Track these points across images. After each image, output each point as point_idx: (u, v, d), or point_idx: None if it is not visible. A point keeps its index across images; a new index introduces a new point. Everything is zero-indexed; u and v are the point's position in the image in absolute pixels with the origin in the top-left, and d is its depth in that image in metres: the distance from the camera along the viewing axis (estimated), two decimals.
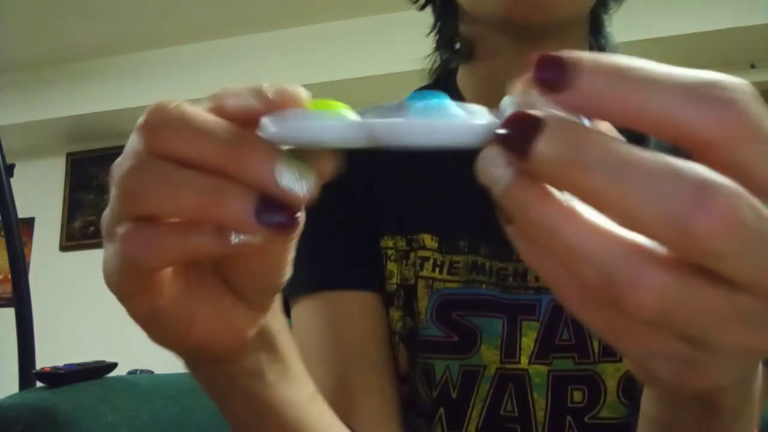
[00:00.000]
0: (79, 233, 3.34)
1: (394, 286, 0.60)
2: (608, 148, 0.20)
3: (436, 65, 0.66)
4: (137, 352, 2.61)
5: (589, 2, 0.54)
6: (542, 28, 0.54)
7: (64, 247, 3.34)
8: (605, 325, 0.22)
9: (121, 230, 0.27)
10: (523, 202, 0.21)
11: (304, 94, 0.26)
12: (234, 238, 0.25)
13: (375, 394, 0.57)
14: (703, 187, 0.19)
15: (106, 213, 0.28)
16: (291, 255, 0.31)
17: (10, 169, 1.72)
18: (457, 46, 0.62)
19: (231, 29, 2.96)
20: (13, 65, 3.16)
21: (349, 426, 0.48)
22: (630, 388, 0.55)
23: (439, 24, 0.64)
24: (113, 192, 0.27)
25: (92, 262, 3.28)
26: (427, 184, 0.60)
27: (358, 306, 0.58)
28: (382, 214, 0.60)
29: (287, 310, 0.60)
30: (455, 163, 0.60)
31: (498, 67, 0.58)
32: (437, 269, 0.59)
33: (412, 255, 0.60)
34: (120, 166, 0.27)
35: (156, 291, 0.29)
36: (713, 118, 0.19)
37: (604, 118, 0.21)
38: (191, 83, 3.01)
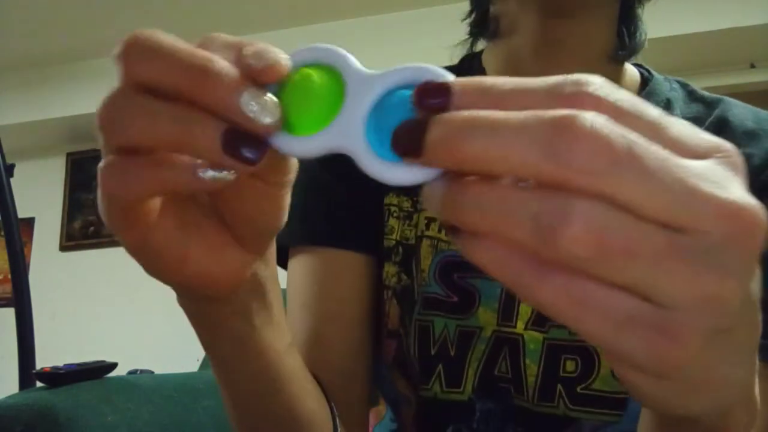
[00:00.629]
0: (79, 233, 3.34)
1: (393, 242, 0.61)
2: (477, 118, 0.22)
3: (467, 49, 0.67)
4: (137, 352, 2.62)
5: None
6: (570, 8, 0.55)
7: (64, 247, 3.34)
8: (565, 298, 0.21)
9: (101, 164, 0.28)
10: (449, 196, 0.23)
11: (284, 63, 0.26)
12: (206, 173, 0.26)
13: (345, 353, 0.58)
14: (563, 121, 0.20)
15: None
16: (287, 200, 0.32)
17: (10, 169, 1.72)
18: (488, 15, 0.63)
19: (230, 29, 2.96)
20: (13, 65, 3.16)
21: (316, 379, 0.51)
22: None
23: (473, 5, 0.64)
24: (96, 125, 0.28)
25: (92, 262, 3.29)
26: None
27: (347, 266, 0.59)
28: None
29: (281, 258, 0.62)
30: None
31: (522, 43, 0.59)
32: (443, 230, 0.59)
33: (415, 216, 0.61)
34: (102, 99, 0.28)
35: (144, 224, 0.29)
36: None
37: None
38: None
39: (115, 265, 3.22)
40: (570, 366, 0.56)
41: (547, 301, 0.21)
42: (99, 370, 0.95)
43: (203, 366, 1.41)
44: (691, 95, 0.63)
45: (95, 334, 3.03)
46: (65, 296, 3.16)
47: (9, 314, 1.69)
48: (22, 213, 1.76)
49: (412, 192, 0.60)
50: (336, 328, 0.58)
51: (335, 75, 0.27)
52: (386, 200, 0.61)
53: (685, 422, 0.28)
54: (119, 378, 1.01)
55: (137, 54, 0.26)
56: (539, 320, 0.57)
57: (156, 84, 0.26)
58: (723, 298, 0.20)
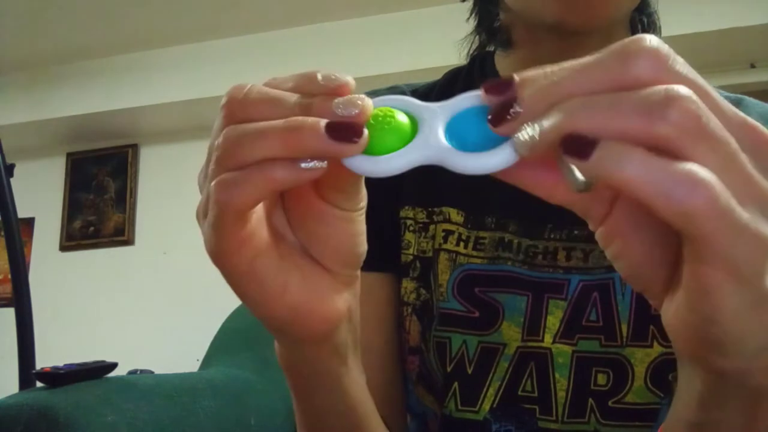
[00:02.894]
0: (79, 233, 3.33)
1: (410, 257, 0.60)
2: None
3: (473, 47, 0.66)
4: (137, 352, 2.62)
5: (636, 1, 0.54)
6: (591, 30, 0.54)
7: (64, 247, 3.33)
8: (684, 182, 0.24)
9: (214, 183, 0.30)
10: (574, 107, 0.26)
11: (369, 105, 0.30)
12: (307, 164, 0.29)
13: (381, 383, 0.57)
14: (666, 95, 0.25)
15: (200, 201, 0.32)
16: (363, 226, 0.36)
17: (10, 169, 1.72)
18: (497, 25, 0.62)
19: (232, 29, 2.96)
20: (13, 65, 3.16)
21: None
22: (660, 375, 0.53)
23: (478, 9, 0.64)
24: (208, 168, 0.31)
25: (92, 262, 3.29)
26: None
27: (366, 288, 0.58)
28: (403, 185, 0.60)
29: None
30: None
31: (537, 59, 0.58)
32: (462, 243, 0.58)
33: (431, 228, 0.59)
34: (212, 141, 0.31)
35: (253, 248, 0.32)
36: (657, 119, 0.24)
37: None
38: (191, 83, 3.01)
39: (115, 265, 3.23)
40: (601, 379, 0.54)
41: (665, 184, 0.24)
42: (99, 370, 0.95)
43: (203, 366, 1.41)
44: None
45: (95, 334, 3.02)
46: (65, 296, 3.16)
47: (9, 314, 1.69)
48: (22, 213, 1.76)
49: (426, 203, 0.59)
50: (370, 359, 0.57)
51: (408, 115, 0.30)
52: (402, 213, 0.60)
53: (735, 375, 0.28)
54: (119, 378, 1.01)
55: (244, 100, 0.31)
56: (567, 332, 0.55)
57: (260, 119, 0.30)
58: None
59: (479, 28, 0.64)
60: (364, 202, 0.35)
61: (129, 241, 3.25)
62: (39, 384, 0.90)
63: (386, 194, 0.59)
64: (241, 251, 0.31)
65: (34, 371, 1.19)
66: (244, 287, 0.33)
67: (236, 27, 2.94)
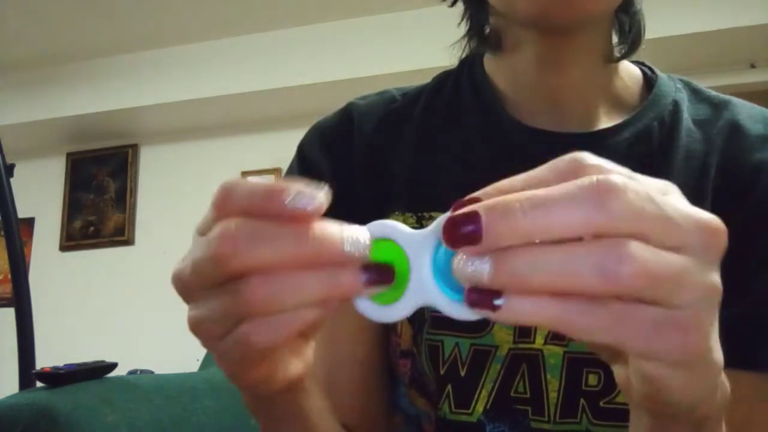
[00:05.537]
0: (79, 233, 3.33)
1: None
2: (521, 198, 0.27)
3: (465, 52, 0.67)
4: (137, 352, 2.62)
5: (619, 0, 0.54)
6: (573, 27, 0.54)
7: (64, 247, 3.33)
8: (611, 322, 0.27)
9: (244, 326, 0.30)
10: (513, 265, 0.27)
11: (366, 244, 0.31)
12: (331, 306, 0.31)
13: (360, 392, 0.59)
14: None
15: (201, 318, 0.32)
16: None
17: (10, 169, 1.72)
18: (487, 30, 0.63)
19: (232, 29, 2.96)
20: (13, 65, 3.16)
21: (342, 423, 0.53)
22: None
23: (468, 14, 0.64)
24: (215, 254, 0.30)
25: (92, 262, 3.29)
26: (443, 162, 0.60)
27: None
28: (392, 191, 0.60)
29: None
30: (471, 142, 0.60)
31: (525, 61, 0.59)
32: None
33: None
34: (221, 232, 0.30)
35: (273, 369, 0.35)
36: (592, 214, 0.26)
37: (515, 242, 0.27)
38: (191, 83, 3.01)
39: (115, 265, 3.23)
40: (592, 380, 0.54)
41: (597, 326, 0.27)
42: (99, 370, 0.95)
43: (203, 366, 1.41)
44: (697, 95, 0.62)
45: (95, 334, 3.03)
46: (65, 296, 3.16)
47: (9, 314, 1.69)
48: (22, 213, 1.76)
49: (416, 208, 0.60)
50: (347, 372, 0.60)
51: (395, 248, 0.32)
52: (391, 218, 0.61)
53: (680, 416, 0.32)
54: (119, 378, 1.01)
55: (252, 241, 0.30)
56: (558, 333, 0.56)
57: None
58: (717, 289, 0.28)
59: (470, 33, 0.64)
60: None
61: (129, 241, 3.25)
62: (39, 384, 0.90)
63: (375, 200, 0.60)
64: (265, 371, 0.34)
65: (34, 371, 1.19)
66: (251, 388, 0.36)
67: (237, 27, 2.94)
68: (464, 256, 0.28)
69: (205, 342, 0.33)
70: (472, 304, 0.28)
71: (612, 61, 0.60)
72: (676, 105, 0.60)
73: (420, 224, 0.60)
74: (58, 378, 0.87)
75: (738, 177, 0.56)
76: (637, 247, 0.26)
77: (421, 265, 0.31)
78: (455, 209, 0.29)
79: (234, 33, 2.98)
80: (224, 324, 0.31)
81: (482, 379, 0.56)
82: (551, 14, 0.51)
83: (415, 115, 0.63)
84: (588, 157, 0.28)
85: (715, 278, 0.28)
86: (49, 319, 2.59)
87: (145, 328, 2.96)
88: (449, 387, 0.57)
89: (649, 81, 0.63)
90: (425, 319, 0.58)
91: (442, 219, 0.29)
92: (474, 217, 0.27)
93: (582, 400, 0.54)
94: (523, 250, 0.27)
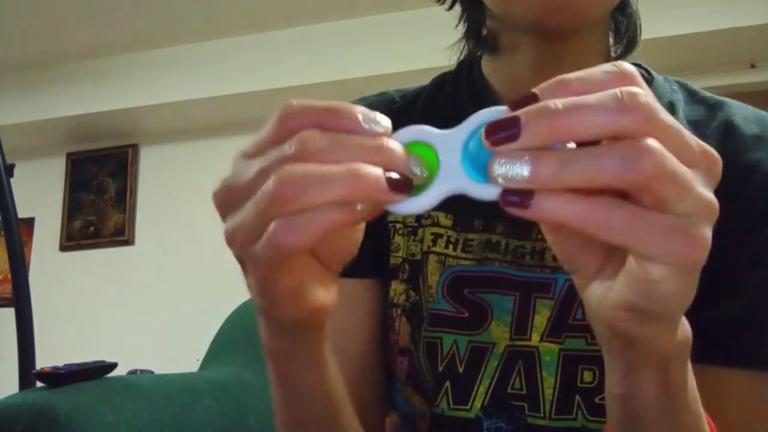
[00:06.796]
0: (79, 233, 3.33)
1: (400, 260, 0.61)
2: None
3: (463, 54, 0.68)
4: (137, 352, 2.62)
5: (615, 1, 0.55)
6: (570, 31, 0.55)
7: (64, 247, 3.33)
8: (629, 222, 0.29)
9: (273, 225, 0.31)
10: (549, 164, 0.29)
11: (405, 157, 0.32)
12: (362, 207, 0.31)
13: (354, 390, 0.59)
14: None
15: (236, 227, 0.33)
16: (361, 235, 0.38)
17: (10, 169, 1.72)
18: (484, 32, 0.63)
19: (232, 30, 2.96)
20: (13, 65, 3.16)
21: None
22: None
23: (465, 16, 0.65)
24: (255, 204, 0.31)
25: (92, 262, 3.29)
26: None
27: (347, 296, 0.59)
28: None
29: None
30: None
31: (521, 63, 0.60)
32: (450, 246, 0.59)
33: (420, 231, 0.61)
34: (282, 174, 0.31)
35: (302, 268, 0.35)
36: (622, 119, 0.29)
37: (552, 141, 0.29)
38: (191, 83, 3.01)
39: (115, 265, 3.23)
40: (588, 376, 0.55)
41: (614, 226, 0.29)
42: (99, 370, 0.95)
43: (203, 366, 1.41)
44: (692, 96, 0.63)
45: (95, 334, 3.03)
46: (65, 296, 3.16)
47: (9, 314, 1.69)
48: (22, 213, 1.76)
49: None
50: (345, 365, 0.60)
51: (426, 146, 0.33)
52: (390, 218, 0.61)
53: (644, 350, 0.34)
54: (119, 378, 1.02)
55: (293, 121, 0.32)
56: (554, 331, 0.56)
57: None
58: (716, 208, 0.30)
59: (467, 35, 0.65)
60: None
61: (129, 241, 3.25)
62: (39, 384, 0.90)
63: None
64: (294, 281, 0.34)
65: (34, 371, 1.19)
66: (280, 303, 0.35)
67: (236, 27, 2.94)
68: (503, 159, 0.29)
69: (240, 250, 0.33)
70: (507, 203, 0.30)
71: (609, 62, 0.60)
72: (671, 106, 0.60)
73: (419, 223, 0.61)
74: (58, 378, 0.87)
75: (732, 176, 0.56)
76: (656, 145, 0.28)
77: (450, 157, 0.32)
78: (513, 106, 0.30)
79: (234, 33, 2.98)
80: (256, 226, 0.31)
81: (480, 376, 0.57)
82: (548, 19, 0.52)
83: (414, 116, 0.64)
84: (635, 76, 0.31)
85: (713, 197, 0.31)
86: (49, 319, 2.60)
87: (145, 328, 2.96)
88: (447, 383, 0.57)
89: (646, 82, 0.63)
90: (423, 317, 0.58)
91: (473, 118, 0.32)
92: (515, 120, 0.29)
93: (577, 397, 0.55)
94: (557, 151, 0.29)
